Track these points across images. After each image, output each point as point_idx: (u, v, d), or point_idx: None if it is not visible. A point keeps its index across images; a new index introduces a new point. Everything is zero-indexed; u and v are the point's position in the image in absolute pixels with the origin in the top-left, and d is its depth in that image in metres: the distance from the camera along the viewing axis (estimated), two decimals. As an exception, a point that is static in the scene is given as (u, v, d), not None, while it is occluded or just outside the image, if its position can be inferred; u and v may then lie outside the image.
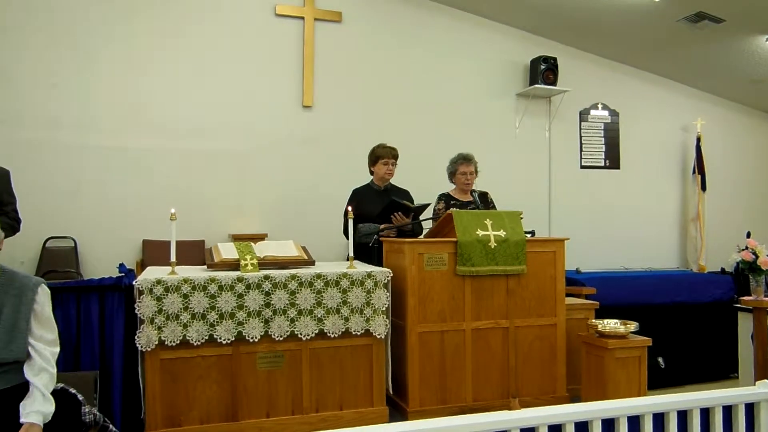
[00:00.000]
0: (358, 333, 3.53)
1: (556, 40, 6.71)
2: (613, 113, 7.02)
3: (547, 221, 6.65)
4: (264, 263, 3.56)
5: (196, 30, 5.64)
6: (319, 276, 3.49)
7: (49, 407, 2.35)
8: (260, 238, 5.18)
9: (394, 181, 4.73)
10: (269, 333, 3.39)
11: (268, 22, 5.86)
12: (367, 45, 6.16)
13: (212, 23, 5.69)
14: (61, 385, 2.88)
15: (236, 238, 5.26)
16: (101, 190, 5.36)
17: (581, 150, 6.90)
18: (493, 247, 3.83)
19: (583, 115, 6.92)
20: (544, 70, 6.38)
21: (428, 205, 4.52)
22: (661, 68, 7.06)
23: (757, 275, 4.17)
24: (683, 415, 2.29)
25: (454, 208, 4.35)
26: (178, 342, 3.24)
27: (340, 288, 3.51)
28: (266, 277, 3.40)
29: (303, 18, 5.94)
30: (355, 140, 5.72)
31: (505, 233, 3.87)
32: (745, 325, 4.63)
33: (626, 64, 7.04)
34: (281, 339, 3.41)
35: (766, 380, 2.43)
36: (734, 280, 5.64)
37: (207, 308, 3.30)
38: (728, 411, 2.34)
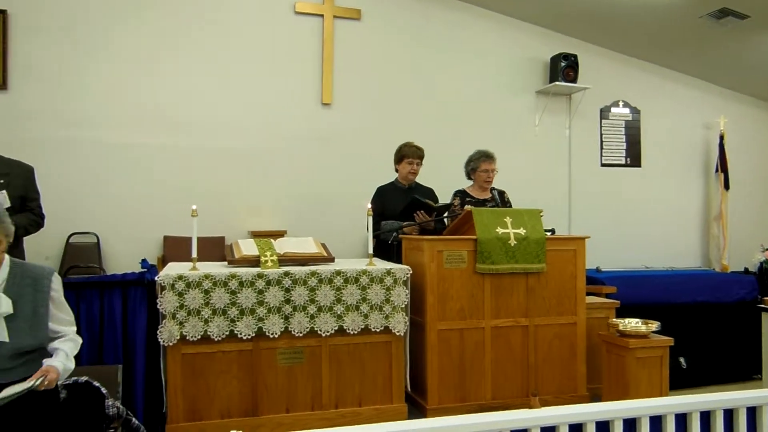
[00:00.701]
0: (378, 330, 3.53)
1: (576, 36, 6.65)
2: (635, 111, 6.95)
3: (567, 219, 6.60)
4: (284, 260, 3.58)
5: (217, 28, 5.68)
6: (338, 273, 3.50)
7: (70, 365, 2.43)
8: (279, 235, 5.20)
9: (418, 178, 4.72)
10: (289, 329, 3.41)
11: (287, 19, 5.88)
12: (386, 42, 6.15)
13: (232, 21, 5.72)
14: (85, 378, 2.93)
15: (255, 235, 5.28)
16: (123, 186, 5.41)
17: (602, 148, 6.84)
18: (512, 245, 3.81)
19: (604, 113, 6.85)
20: (564, 67, 6.33)
21: (450, 205, 4.51)
22: (683, 65, 6.96)
23: (782, 275, 4.11)
24: (706, 416, 2.27)
25: (471, 206, 4.34)
26: (200, 337, 3.28)
27: (359, 285, 3.52)
28: (286, 274, 3.43)
29: (322, 15, 5.95)
30: (374, 138, 5.73)
31: (525, 231, 3.86)
32: (769, 325, 4.56)
33: (648, 61, 6.95)
34: (301, 335, 3.43)
35: (791, 381, 2.39)
36: (758, 279, 5.56)
37: (228, 304, 3.33)
38: (752, 412, 2.31)
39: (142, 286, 3.62)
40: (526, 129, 6.57)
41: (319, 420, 3.42)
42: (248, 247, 3.67)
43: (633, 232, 6.75)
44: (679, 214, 7.06)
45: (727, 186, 6.96)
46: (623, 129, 6.91)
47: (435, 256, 3.75)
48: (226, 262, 3.69)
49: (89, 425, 2.81)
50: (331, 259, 3.75)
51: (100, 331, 3.51)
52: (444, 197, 4.55)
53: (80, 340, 2.54)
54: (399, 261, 4.07)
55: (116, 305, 3.57)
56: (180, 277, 3.28)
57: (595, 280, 5.03)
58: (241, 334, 3.33)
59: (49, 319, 2.43)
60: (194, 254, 3.46)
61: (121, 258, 5.35)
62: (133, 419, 3.15)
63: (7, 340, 2.31)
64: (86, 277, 3.77)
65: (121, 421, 3.01)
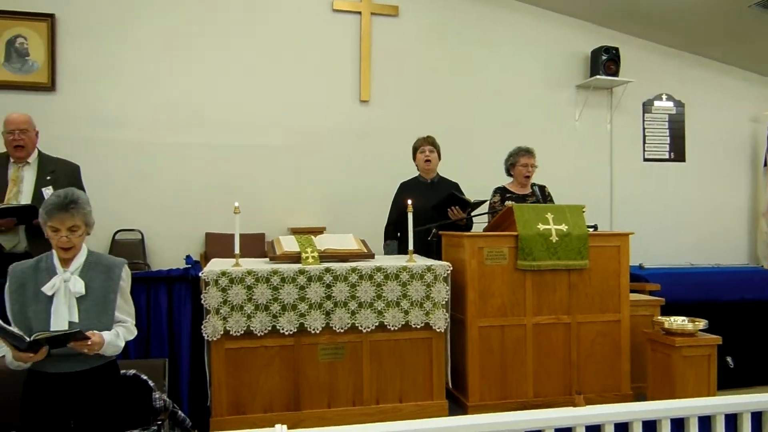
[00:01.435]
0: (418, 326, 3.53)
1: (618, 29, 6.52)
2: (679, 104, 6.79)
3: (608, 216, 6.50)
4: (325, 256, 3.61)
5: (256, 27, 5.75)
6: (379, 269, 3.51)
7: (118, 342, 2.49)
8: (318, 231, 5.25)
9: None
10: (330, 325, 3.43)
11: (325, 17, 5.92)
12: (423, 38, 6.14)
13: (271, 20, 5.79)
14: (133, 371, 3.01)
15: (295, 232, 5.34)
16: (166, 184, 5.54)
17: (644, 142, 6.71)
18: (554, 241, 3.77)
19: (647, 107, 6.71)
20: (605, 61, 6.22)
21: (485, 201, 4.47)
22: (729, 56, 6.77)
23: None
24: (758, 417, 2.21)
25: (511, 202, 4.30)
26: (243, 332, 3.32)
27: (399, 281, 3.53)
28: (327, 270, 3.45)
29: (360, 13, 5.97)
30: (412, 134, 5.65)
31: (567, 227, 3.81)
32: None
33: (692, 53, 6.78)
34: (342, 331, 3.44)
35: None
36: (809, 277, 5.38)
37: (270, 300, 3.36)
38: (807, 413, 2.25)
39: (186, 281, 3.70)
40: (567, 124, 6.48)
41: (360, 415, 3.43)
42: (289, 244, 3.71)
43: (677, 228, 6.61)
44: (726, 209, 6.88)
45: (776, 180, 6.76)
46: (667, 123, 6.76)
47: (475, 252, 3.73)
48: (267, 259, 3.74)
49: (137, 417, 2.89)
50: (372, 256, 3.76)
51: (147, 325, 3.60)
52: (484, 194, 4.51)
53: (135, 332, 2.61)
54: (438, 258, 4.06)
55: (162, 300, 3.65)
56: (223, 273, 3.33)
57: (638, 277, 4.93)
58: (283, 329, 3.37)
59: (116, 309, 2.52)
60: (237, 250, 3.50)
61: (165, 254, 5.48)
62: (179, 412, 3.23)
63: (77, 320, 2.40)
64: (133, 273, 3.85)
65: (168, 414, 3.08)
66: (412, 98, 6.07)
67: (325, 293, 3.43)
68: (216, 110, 5.66)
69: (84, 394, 2.43)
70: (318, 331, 3.41)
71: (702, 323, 3.62)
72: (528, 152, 4.61)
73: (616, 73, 6.25)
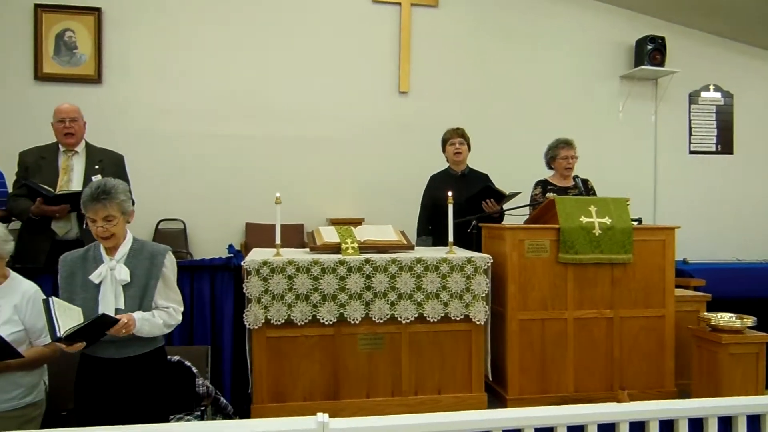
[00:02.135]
0: (458, 318, 3.52)
1: (663, 18, 6.35)
2: (727, 95, 6.59)
3: (652, 209, 6.36)
4: (364, 247, 3.62)
5: (295, 18, 5.78)
6: (419, 260, 3.51)
7: (152, 320, 2.50)
8: (357, 222, 5.26)
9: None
10: (370, 315, 3.45)
11: (365, 8, 5.92)
12: (463, 29, 6.08)
13: (311, 11, 5.81)
14: (177, 357, 3.07)
15: (334, 222, 5.37)
16: (207, 175, 5.63)
17: (690, 134, 6.53)
18: (597, 234, 3.71)
19: (693, 98, 6.54)
20: (650, 51, 6.07)
21: (519, 193, 4.41)
22: (781, 45, 6.55)
23: None
24: (811, 416, 2.14)
25: (553, 194, 4.25)
26: (283, 321, 3.36)
27: (439, 273, 3.52)
28: (367, 261, 3.46)
29: (400, 4, 5.95)
30: (451, 126, 5.66)
31: (610, 220, 3.74)
32: None
33: (741, 42, 6.56)
34: (381, 322, 3.46)
35: None
36: None
37: (310, 290, 3.39)
38: None
39: (229, 270, 3.75)
40: (610, 115, 6.36)
41: (398, 406, 3.44)
42: (329, 234, 3.73)
43: (723, 222, 6.43)
44: (775, 203, 6.66)
45: (829, 174, 6.51)
46: (714, 114, 6.58)
47: (516, 245, 3.69)
48: (307, 249, 3.77)
49: (182, 402, 2.95)
50: (411, 247, 3.76)
51: (191, 313, 3.67)
52: (524, 187, 4.46)
53: (179, 318, 2.63)
54: (478, 250, 4.03)
55: (205, 289, 3.72)
56: (265, 263, 3.37)
57: (682, 272, 4.84)
58: (323, 319, 3.40)
59: (157, 293, 2.55)
60: (278, 240, 3.53)
61: (206, 244, 5.57)
62: (221, 398, 3.29)
63: (123, 307, 2.46)
64: (178, 261, 3.93)
65: (210, 400, 3.14)
66: (452, 90, 6.03)
67: (365, 284, 3.45)
68: (258, 102, 5.72)
69: (133, 379, 2.50)
70: (357, 322, 3.43)
71: (750, 320, 3.53)
72: (567, 144, 4.54)
73: (661, 63, 6.10)
